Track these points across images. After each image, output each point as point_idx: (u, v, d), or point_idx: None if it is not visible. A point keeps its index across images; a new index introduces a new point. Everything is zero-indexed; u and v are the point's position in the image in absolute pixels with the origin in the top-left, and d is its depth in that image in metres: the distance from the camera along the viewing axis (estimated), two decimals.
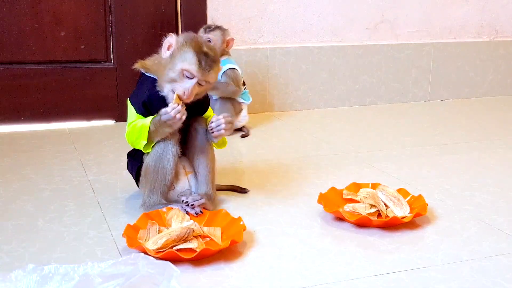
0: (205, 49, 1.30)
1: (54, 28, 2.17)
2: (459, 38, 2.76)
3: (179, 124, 1.31)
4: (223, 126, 1.35)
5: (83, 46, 2.22)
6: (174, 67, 1.30)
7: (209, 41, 2.01)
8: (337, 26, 2.53)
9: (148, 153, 1.36)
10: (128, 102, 1.37)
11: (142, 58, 1.40)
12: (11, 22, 2.12)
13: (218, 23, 2.35)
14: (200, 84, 1.31)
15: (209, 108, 1.44)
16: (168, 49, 1.33)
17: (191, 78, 1.30)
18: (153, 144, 1.35)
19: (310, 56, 2.44)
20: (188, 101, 1.32)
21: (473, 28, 2.77)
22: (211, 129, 1.35)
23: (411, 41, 2.66)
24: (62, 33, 2.19)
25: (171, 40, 1.33)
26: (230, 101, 2.10)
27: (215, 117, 1.36)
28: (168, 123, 1.29)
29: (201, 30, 2.10)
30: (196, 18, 2.30)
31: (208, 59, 1.30)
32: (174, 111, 1.28)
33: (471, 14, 2.75)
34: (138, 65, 1.37)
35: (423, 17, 2.67)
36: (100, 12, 2.21)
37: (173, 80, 1.31)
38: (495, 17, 2.80)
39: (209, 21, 2.32)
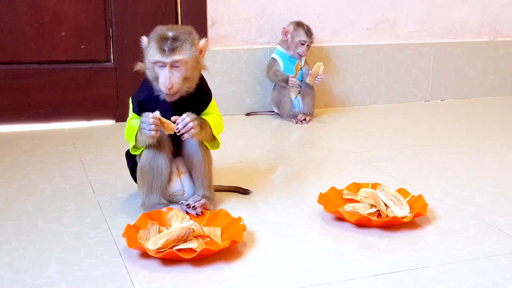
0: (169, 34, 1.29)
1: (54, 28, 2.17)
2: (459, 38, 2.76)
3: (150, 138, 1.30)
4: (190, 125, 1.29)
5: (83, 46, 2.22)
6: (148, 66, 1.32)
7: (309, 45, 2.31)
8: (337, 26, 2.53)
9: (141, 153, 1.37)
10: (129, 100, 1.38)
11: (142, 59, 1.40)
12: (11, 22, 2.12)
13: (218, 23, 2.35)
14: (175, 66, 1.29)
15: (210, 105, 1.40)
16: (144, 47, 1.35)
17: (164, 67, 1.29)
18: (142, 149, 1.36)
19: (311, 56, 2.43)
20: (174, 91, 1.30)
21: (473, 28, 2.77)
22: (178, 131, 1.29)
23: (411, 41, 2.66)
24: (62, 33, 2.19)
25: (143, 43, 1.34)
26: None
27: (180, 118, 1.30)
28: (141, 126, 1.29)
29: (302, 33, 2.29)
30: (196, 18, 2.30)
31: (170, 41, 1.28)
32: (153, 120, 1.27)
33: (471, 14, 2.75)
34: (138, 67, 1.37)
35: (423, 17, 2.67)
36: (100, 12, 2.21)
37: (155, 78, 1.31)
38: (495, 17, 2.80)
39: (209, 21, 2.32)
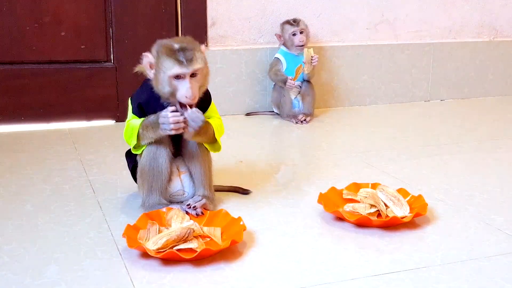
0: (176, 46, 1.27)
1: (54, 28, 2.17)
2: (459, 38, 2.76)
3: (171, 132, 1.29)
4: (200, 120, 1.29)
5: (83, 46, 2.22)
6: (163, 82, 1.28)
7: (302, 32, 2.28)
8: (337, 26, 2.53)
9: (141, 153, 1.37)
10: (129, 101, 1.38)
11: (141, 60, 1.38)
12: (11, 22, 2.12)
13: (218, 23, 2.35)
14: (193, 76, 1.28)
15: (210, 108, 1.40)
16: (150, 68, 1.31)
17: (183, 79, 1.28)
18: (143, 148, 1.36)
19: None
20: (196, 100, 1.29)
21: (473, 28, 2.77)
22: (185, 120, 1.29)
23: (411, 41, 2.66)
24: (62, 33, 2.19)
25: (147, 60, 1.31)
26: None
27: (193, 110, 1.30)
28: (161, 127, 1.28)
29: (288, 26, 2.29)
30: (196, 18, 2.30)
31: (184, 51, 1.27)
32: (173, 119, 1.27)
33: (471, 14, 2.75)
34: (138, 69, 1.35)
35: (423, 17, 2.67)
36: (100, 12, 2.21)
37: (172, 93, 1.29)
38: (495, 17, 2.80)
39: (209, 21, 2.32)
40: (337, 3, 2.50)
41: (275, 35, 2.34)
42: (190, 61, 1.26)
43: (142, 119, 1.33)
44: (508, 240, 1.27)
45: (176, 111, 1.29)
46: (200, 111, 1.30)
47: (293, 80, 2.28)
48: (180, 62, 1.26)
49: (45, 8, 2.15)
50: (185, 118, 1.28)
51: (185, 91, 1.27)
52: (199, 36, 2.31)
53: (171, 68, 1.26)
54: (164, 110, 1.29)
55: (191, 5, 2.29)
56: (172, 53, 1.27)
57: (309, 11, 2.46)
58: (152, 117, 1.31)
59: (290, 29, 2.28)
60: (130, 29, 2.24)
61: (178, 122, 1.27)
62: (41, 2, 2.14)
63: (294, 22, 2.29)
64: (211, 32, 2.34)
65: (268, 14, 2.41)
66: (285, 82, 2.27)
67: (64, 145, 1.95)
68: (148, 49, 1.33)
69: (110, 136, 2.07)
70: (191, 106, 1.30)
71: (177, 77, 1.27)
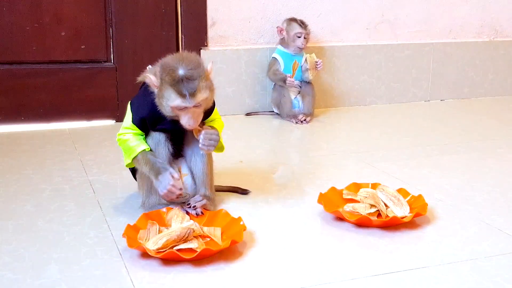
0: (180, 73, 1.23)
1: (54, 28, 2.17)
2: (459, 38, 2.76)
3: (160, 194, 1.31)
4: (213, 141, 1.32)
5: (83, 46, 2.22)
6: (166, 108, 1.27)
7: (306, 37, 2.28)
8: (337, 26, 2.53)
9: None
10: (129, 106, 1.36)
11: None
12: (11, 22, 2.12)
13: (218, 23, 2.35)
14: (197, 106, 1.27)
15: (214, 112, 1.40)
16: (155, 87, 1.28)
17: (184, 109, 1.26)
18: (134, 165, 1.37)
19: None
20: (197, 125, 1.30)
21: (473, 28, 2.77)
22: (201, 143, 1.32)
23: (411, 41, 2.66)
24: (62, 33, 2.19)
25: (150, 81, 1.27)
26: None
27: (205, 131, 1.32)
28: (156, 183, 1.30)
29: (296, 25, 2.28)
30: (196, 18, 2.30)
31: (187, 83, 1.22)
32: (171, 188, 1.29)
33: (471, 14, 2.75)
34: (141, 79, 1.32)
35: (423, 17, 2.67)
36: (100, 12, 2.21)
37: (175, 117, 1.29)
38: (495, 17, 2.80)
39: (209, 21, 2.32)
40: (337, 3, 2.50)
41: (277, 27, 2.33)
42: (193, 95, 1.23)
43: (144, 148, 1.32)
44: (508, 240, 1.27)
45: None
46: (214, 132, 1.33)
47: (292, 77, 2.29)
48: (182, 96, 1.23)
49: (45, 8, 2.15)
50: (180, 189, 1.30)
51: (187, 120, 1.27)
52: (199, 36, 2.31)
53: (174, 100, 1.24)
54: (169, 173, 1.29)
55: (191, 5, 2.29)
56: (175, 84, 1.23)
57: (309, 11, 2.46)
58: (157, 162, 1.31)
59: (297, 29, 2.28)
60: (130, 29, 2.23)
61: (172, 192, 1.29)
62: (41, 2, 2.14)
63: (303, 24, 2.29)
64: (211, 32, 2.34)
65: (268, 15, 2.41)
66: (284, 80, 2.27)
67: (64, 145, 1.95)
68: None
69: (110, 136, 2.07)
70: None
71: (178, 108, 1.26)
